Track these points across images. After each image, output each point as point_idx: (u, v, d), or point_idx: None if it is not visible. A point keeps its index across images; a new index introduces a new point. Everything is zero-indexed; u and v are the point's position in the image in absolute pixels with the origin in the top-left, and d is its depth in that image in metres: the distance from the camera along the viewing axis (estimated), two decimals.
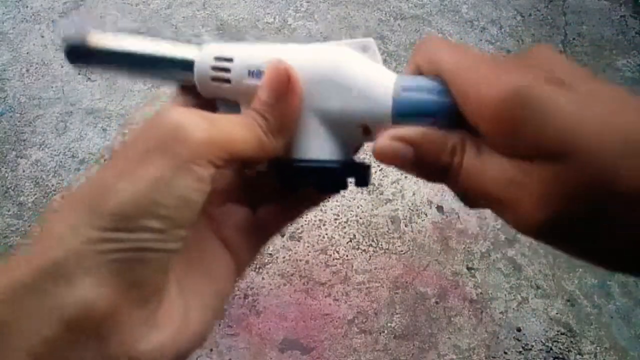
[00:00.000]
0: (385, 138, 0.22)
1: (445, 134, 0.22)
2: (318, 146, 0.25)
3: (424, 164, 0.22)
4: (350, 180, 0.26)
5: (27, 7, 1.00)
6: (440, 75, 0.22)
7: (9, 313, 0.18)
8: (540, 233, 0.19)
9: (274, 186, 0.29)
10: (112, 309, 0.20)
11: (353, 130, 0.25)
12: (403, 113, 0.23)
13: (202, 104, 0.27)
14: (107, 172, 0.21)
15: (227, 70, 0.26)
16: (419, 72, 0.25)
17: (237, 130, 0.23)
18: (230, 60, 0.26)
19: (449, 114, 0.22)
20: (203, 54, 0.27)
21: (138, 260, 0.20)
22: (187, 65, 0.27)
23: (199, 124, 0.21)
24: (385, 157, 0.22)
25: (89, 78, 0.92)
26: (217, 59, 0.26)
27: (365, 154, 0.29)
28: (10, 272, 0.19)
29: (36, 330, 0.18)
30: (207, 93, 0.27)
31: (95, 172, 0.21)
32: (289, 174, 0.26)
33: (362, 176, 0.26)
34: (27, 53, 0.94)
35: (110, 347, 0.20)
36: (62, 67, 0.94)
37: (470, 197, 0.22)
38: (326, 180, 0.26)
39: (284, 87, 0.24)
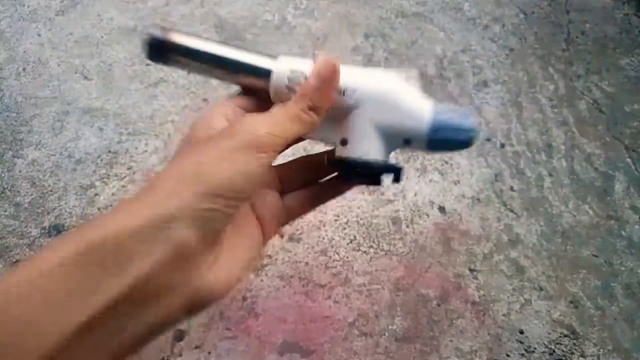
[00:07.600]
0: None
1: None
2: (372, 149, 0.33)
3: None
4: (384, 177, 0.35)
5: (23, 5, 0.99)
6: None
7: (125, 242, 0.25)
8: None
9: (300, 177, 0.39)
10: (195, 249, 0.26)
11: (397, 139, 0.33)
12: (435, 130, 0.32)
13: (258, 103, 0.35)
14: (201, 158, 0.28)
15: (299, 83, 0.32)
16: None
17: (289, 122, 0.31)
18: (303, 74, 0.33)
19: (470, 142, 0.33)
20: (280, 66, 0.33)
21: (215, 218, 0.27)
22: (263, 73, 0.33)
23: (267, 128, 0.29)
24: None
25: (86, 77, 0.91)
26: (293, 71, 0.33)
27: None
28: (122, 217, 0.26)
29: (148, 255, 0.25)
30: (277, 98, 0.33)
31: (181, 158, 0.29)
32: (350, 169, 0.34)
33: (398, 174, 0.35)
34: (24, 52, 0.93)
35: (190, 278, 0.27)
36: (58, 65, 0.93)
37: None
38: (374, 175, 0.34)
39: (330, 75, 0.31)
